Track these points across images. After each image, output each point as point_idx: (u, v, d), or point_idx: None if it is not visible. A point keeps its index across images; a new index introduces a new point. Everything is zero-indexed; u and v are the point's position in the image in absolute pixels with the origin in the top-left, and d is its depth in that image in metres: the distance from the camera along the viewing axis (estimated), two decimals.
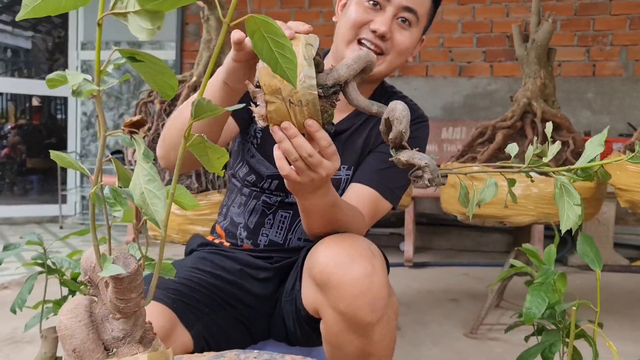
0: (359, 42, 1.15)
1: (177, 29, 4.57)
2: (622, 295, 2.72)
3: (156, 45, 4.64)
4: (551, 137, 2.33)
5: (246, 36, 0.87)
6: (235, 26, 1.01)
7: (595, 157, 0.82)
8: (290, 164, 0.89)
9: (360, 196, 1.14)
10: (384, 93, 1.27)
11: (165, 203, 0.56)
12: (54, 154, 0.58)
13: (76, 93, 0.48)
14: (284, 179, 0.93)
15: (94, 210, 0.54)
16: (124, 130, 0.51)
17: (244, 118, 1.20)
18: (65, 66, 5.07)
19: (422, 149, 1.23)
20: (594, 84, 3.90)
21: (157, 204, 0.56)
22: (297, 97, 0.81)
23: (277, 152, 0.89)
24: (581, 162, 0.83)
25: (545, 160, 0.88)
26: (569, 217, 0.80)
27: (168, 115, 2.20)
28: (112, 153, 4.34)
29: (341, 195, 1.15)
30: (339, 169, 1.16)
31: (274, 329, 1.21)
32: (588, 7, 3.92)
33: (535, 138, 0.94)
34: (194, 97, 1.07)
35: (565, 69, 3.96)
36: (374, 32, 1.12)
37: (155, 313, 1.00)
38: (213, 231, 1.34)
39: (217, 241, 1.28)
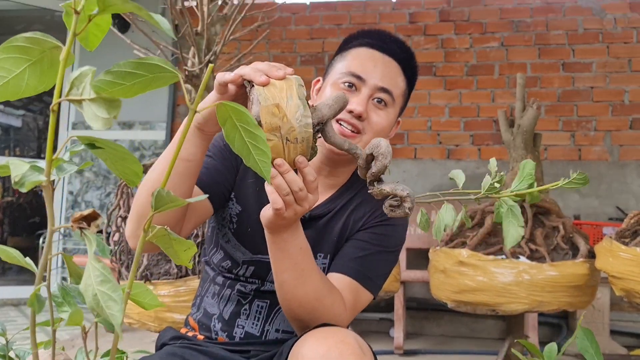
0: (336, 122, 1.14)
1: (169, 109, 4.62)
2: None
3: (147, 126, 4.68)
4: (541, 222, 2.27)
5: (231, 79, 0.90)
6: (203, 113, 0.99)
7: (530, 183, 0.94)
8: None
9: (340, 286, 1.08)
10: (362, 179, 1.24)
11: (122, 307, 0.50)
12: None
13: (19, 184, 0.43)
14: (272, 214, 0.93)
15: (35, 313, 0.48)
16: (72, 225, 0.46)
17: (219, 200, 1.15)
18: (55, 145, 5.06)
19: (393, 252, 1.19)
20: (580, 168, 3.89)
21: (113, 307, 0.50)
22: (294, 135, 0.84)
23: (268, 187, 0.92)
24: (515, 186, 0.95)
25: (500, 188, 0.95)
26: (512, 235, 0.90)
27: None
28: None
29: None
30: (316, 257, 1.12)
31: None
32: (571, 94, 4.02)
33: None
34: (164, 154, 1.03)
35: (551, 153, 4.00)
36: (350, 112, 1.12)
37: None
38: (186, 324, 1.26)
39: (190, 334, 1.20)
